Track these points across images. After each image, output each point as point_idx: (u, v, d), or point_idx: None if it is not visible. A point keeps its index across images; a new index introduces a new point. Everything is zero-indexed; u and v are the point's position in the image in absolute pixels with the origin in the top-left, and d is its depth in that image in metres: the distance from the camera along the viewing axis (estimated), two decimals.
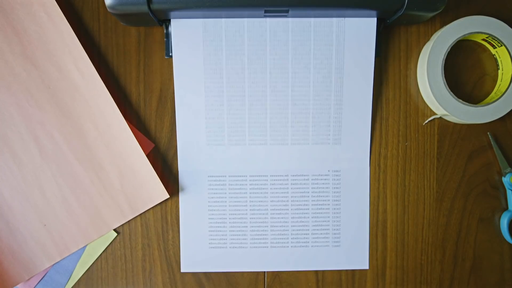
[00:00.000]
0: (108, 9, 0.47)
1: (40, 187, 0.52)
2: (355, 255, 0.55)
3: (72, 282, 0.54)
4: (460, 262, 0.55)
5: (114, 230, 0.54)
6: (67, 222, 0.52)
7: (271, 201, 0.54)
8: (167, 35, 0.52)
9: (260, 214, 0.54)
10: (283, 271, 0.55)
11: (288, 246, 0.54)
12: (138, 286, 0.55)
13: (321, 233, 0.55)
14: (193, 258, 0.54)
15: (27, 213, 0.52)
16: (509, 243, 0.55)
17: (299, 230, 0.55)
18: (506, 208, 0.55)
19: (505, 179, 0.54)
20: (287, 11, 0.49)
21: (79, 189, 0.52)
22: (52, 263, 0.53)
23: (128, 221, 0.54)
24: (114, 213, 0.52)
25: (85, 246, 0.54)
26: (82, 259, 0.54)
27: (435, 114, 0.55)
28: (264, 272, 0.55)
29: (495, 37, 0.51)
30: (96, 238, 0.53)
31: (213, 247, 0.54)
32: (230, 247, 0.54)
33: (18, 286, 0.53)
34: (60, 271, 0.54)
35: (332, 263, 0.55)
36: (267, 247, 0.54)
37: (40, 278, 0.54)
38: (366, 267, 0.55)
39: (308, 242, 0.55)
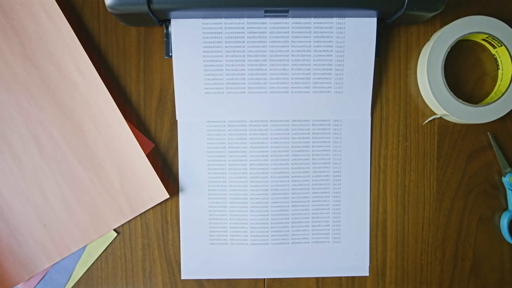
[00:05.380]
0: (108, 9, 0.47)
1: (40, 187, 0.52)
2: (355, 257, 0.55)
3: (72, 282, 0.54)
4: (460, 262, 0.55)
5: (114, 230, 0.54)
6: (67, 222, 0.52)
7: (271, 200, 0.54)
8: (167, 35, 0.52)
9: (260, 213, 0.54)
10: (284, 277, 0.55)
11: (288, 243, 0.54)
12: (138, 286, 0.55)
13: (321, 233, 0.55)
14: (193, 259, 0.54)
15: (27, 213, 0.52)
16: (509, 243, 0.55)
17: (299, 228, 0.55)
18: (506, 208, 0.55)
19: (505, 179, 0.54)
20: (287, 11, 0.49)
21: (79, 189, 0.52)
22: (52, 263, 0.53)
23: (128, 221, 0.54)
24: (114, 213, 0.52)
25: (85, 246, 0.54)
26: (82, 259, 0.54)
27: (435, 114, 0.55)
28: (264, 278, 0.55)
29: (495, 37, 0.51)
30: (96, 238, 0.53)
31: (213, 247, 0.54)
32: (230, 247, 0.54)
33: (18, 286, 0.53)
34: (60, 271, 0.54)
35: (331, 268, 0.55)
36: (268, 244, 0.54)
37: (40, 278, 0.54)
38: (366, 273, 0.55)
39: (308, 240, 0.55)
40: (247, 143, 0.54)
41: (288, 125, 0.53)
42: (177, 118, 0.53)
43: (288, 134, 0.53)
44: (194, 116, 0.53)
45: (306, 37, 0.52)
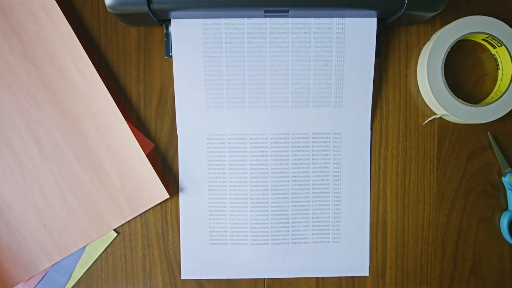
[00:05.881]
0: (108, 9, 0.47)
1: (40, 187, 0.52)
2: (355, 257, 0.55)
3: (72, 282, 0.54)
4: (460, 262, 0.55)
5: (114, 230, 0.54)
6: (67, 222, 0.52)
7: (271, 200, 0.54)
8: (167, 35, 0.52)
9: (260, 213, 0.54)
10: (284, 277, 0.55)
11: (288, 243, 0.54)
12: (138, 286, 0.55)
13: (322, 233, 0.55)
14: (193, 259, 0.54)
15: (27, 213, 0.52)
16: (509, 243, 0.55)
17: (299, 229, 0.55)
18: (506, 208, 0.55)
19: (505, 179, 0.54)
20: (287, 11, 0.49)
21: (79, 189, 0.52)
22: (52, 263, 0.53)
23: (128, 221, 0.54)
24: (114, 213, 0.52)
25: (85, 246, 0.54)
26: (82, 259, 0.54)
27: (435, 114, 0.55)
28: (264, 278, 0.55)
29: (495, 37, 0.51)
30: (96, 238, 0.53)
31: (213, 247, 0.55)
32: (230, 247, 0.54)
33: (18, 286, 0.53)
34: (60, 271, 0.54)
35: (331, 268, 0.55)
36: (268, 244, 0.54)
37: (40, 278, 0.54)
38: (366, 273, 0.55)
39: (308, 240, 0.55)
40: (247, 144, 0.54)
41: (288, 116, 0.53)
42: (176, 118, 0.53)
43: (288, 124, 0.53)
44: (194, 116, 0.53)
45: (306, 37, 0.52)
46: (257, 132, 0.53)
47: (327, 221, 0.55)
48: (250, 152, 0.54)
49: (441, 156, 0.55)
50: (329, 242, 0.55)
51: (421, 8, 0.47)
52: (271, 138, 0.54)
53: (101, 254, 0.54)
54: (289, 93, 0.53)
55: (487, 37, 0.52)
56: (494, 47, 0.53)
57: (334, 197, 0.55)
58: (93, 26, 0.54)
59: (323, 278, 0.55)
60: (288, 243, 0.55)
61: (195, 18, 0.51)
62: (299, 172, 0.54)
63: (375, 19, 0.51)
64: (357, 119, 0.54)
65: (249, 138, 0.53)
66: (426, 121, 0.55)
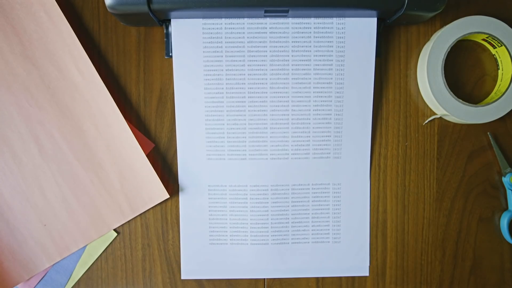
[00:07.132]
0: (108, 9, 0.47)
1: (40, 187, 0.52)
2: (355, 257, 0.55)
3: (72, 282, 0.54)
4: (460, 262, 0.55)
5: (114, 230, 0.54)
6: (67, 222, 0.52)
7: (271, 198, 0.54)
8: (167, 35, 0.52)
9: (260, 212, 0.54)
10: (284, 277, 0.55)
11: (288, 243, 0.55)
12: (138, 286, 0.55)
13: (322, 233, 0.55)
14: (193, 259, 0.54)
15: (27, 213, 0.52)
16: (509, 243, 0.55)
17: (299, 229, 0.55)
18: (506, 208, 0.55)
19: (505, 179, 0.54)
20: (287, 11, 0.49)
21: (79, 189, 0.52)
22: (52, 263, 0.53)
23: (128, 221, 0.54)
24: (114, 213, 0.52)
25: (85, 246, 0.54)
26: (82, 259, 0.54)
27: (435, 114, 0.55)
28: (264, 278, 0.55)
29: (495, 37, 0.51)
30: (96, 238, 0.53)
31: (213, 247, 0.55)
32: (230, 247, 0.54)
33: (18, 286, 0.53)
34: (60, 271, 0.54)
35: (331, 268, 0.55)
36: (268, 244, 0.54)
37: (40, 278, 0.54)
38: (366, 273, 0.55)
39: (308, 240, 0.55)
40: (246, 143, 0.54)
41: (288, 116, 0.53)
42: (176, 118, 0.53)
43: (288, 124, 0.53)
44: (193, 116, 0.53)
45: (306, 37, 0.52)
46: (256, 135, 0.53)
47: (327, 221, 0.55)
48: (248, 149, 0.54)
49: (441, 156, 0.55)
50: (329, 242, 0.55)
51: (421, 8, 0.47)
52: (270, 142, 0.54)
53: (101, 254, 0.54)
54: (289, 90, 0.53)
55: (487, 37, 0.52)
56: (494, 47, 0.53)
57: (334, 197, 0.55)
58: (93, 26, 0.54)
59: (323, 278, 0.55)
60: (288, 243, 0.55)
61: (195, 18, 0.51)
62: (299, 171, 0.54)
63: (375, 19, 0.51)
64: (358, 120, 0.54)
65: (248, 144, 0.53)
66: (426, 121, 0.55)
